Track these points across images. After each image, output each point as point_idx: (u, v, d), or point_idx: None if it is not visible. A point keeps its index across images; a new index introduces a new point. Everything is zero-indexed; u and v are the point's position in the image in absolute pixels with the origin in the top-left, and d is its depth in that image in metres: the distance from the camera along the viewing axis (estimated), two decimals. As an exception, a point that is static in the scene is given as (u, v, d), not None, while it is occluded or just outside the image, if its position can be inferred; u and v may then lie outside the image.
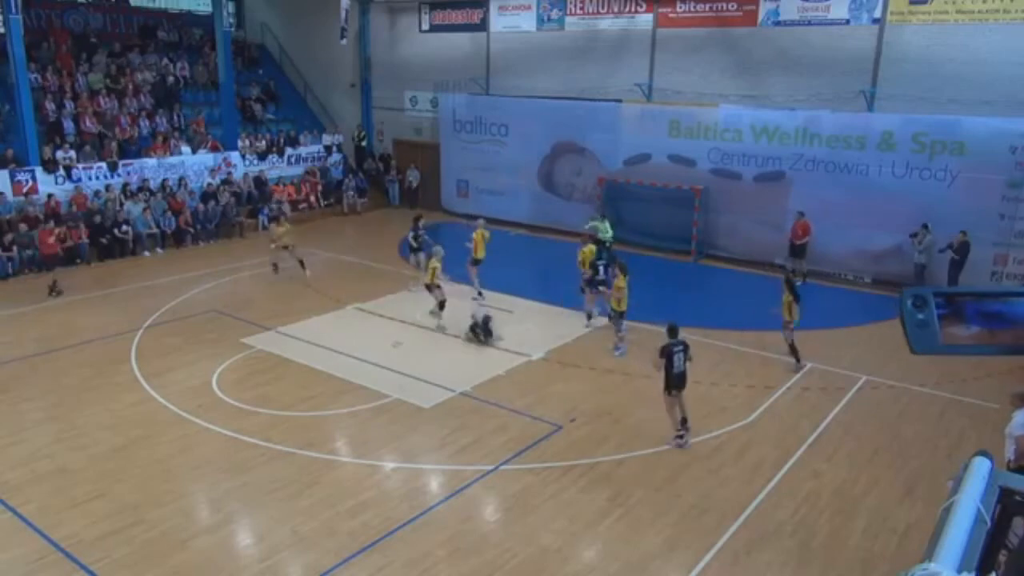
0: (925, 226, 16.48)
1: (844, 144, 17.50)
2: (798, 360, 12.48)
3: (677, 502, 8.80)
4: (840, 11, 17.62)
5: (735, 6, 18.98)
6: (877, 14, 17.18)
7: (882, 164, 17.05)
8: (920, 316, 1.74)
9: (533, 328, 14.45)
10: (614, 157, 21.01)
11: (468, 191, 24.44)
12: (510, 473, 9.37)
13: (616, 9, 20.98)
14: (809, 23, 18.07)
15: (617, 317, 13.25)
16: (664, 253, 20.04)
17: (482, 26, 23.67)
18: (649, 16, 20.42)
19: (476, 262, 15.83)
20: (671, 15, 20.10)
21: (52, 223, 15.77)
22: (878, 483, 9.28)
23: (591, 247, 14.74)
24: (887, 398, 11.71)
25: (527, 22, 22.75)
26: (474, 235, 15.79)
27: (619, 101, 20.75)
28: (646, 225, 20.41)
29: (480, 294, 15.76)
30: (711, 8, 19.38)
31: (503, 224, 23.17)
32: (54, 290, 15.95)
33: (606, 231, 18.85)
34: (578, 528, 8.30)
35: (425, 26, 25.08)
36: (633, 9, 20.66)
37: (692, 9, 19.71)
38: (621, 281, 12.95)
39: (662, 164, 20.15)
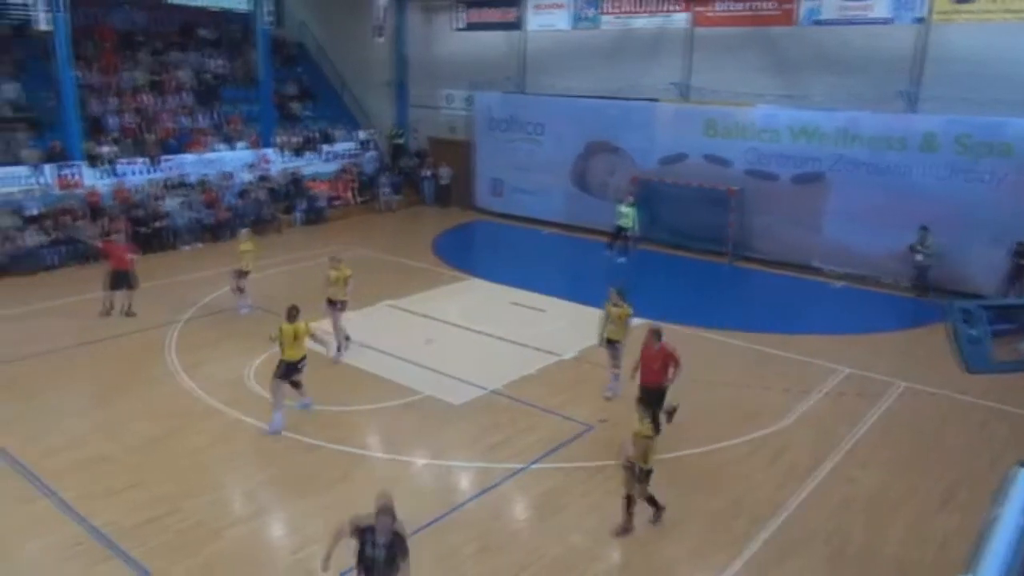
0: (925, 228, 16.36)
1: (885, 145, 17.17)
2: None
3: (707, 505, 8.72)
4: (882, 10, 17.30)
5: (773, 5, 18.72)
6: (920, 13, 16.84)
7: (924, 166, 16.71)
8: (973, 332, 1.66)
9: (565, 327, 14.41)
10: (649, 157, 20.87)
11: (502, 190, 24.47)
12: (540, 472, 9.36)
13: (652, 8, 20.83)
14: (850, 22, 17.76)
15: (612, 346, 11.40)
16: (698, 254, 19.87)
17: (517, 25, 23.67)
18: (685, 15, 20.24)
19: (334, 304, 12.84)
20: (708, 14, 19.89)
21: (123, 236, 15.33)
22: (916, 491, 9.10)
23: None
24: (926, 405, 11.48)
25: (562, 21, 22.69)
26: (331, 273, 12.89)
27: (654, 100, 20.60)
28: (680, 225, 20.27)
29: (348, 338, 13.02)
30: (748, 7, 19.15)
31: (536, 223, 23.21)
32: (128, 312, 14.54)
33: (625, 217, 18.92)
34: (607, 529, 8.25)
35: (460, 24, 25.14)
36: (669, 8, 20.50)
37: (729, 8, 19.49)
38: (627, 311, 11.19)
39: (697, 164, 19.97)
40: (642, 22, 21.10)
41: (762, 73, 19.15)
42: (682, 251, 20.18)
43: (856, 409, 11.26)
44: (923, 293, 16.66)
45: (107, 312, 14.48)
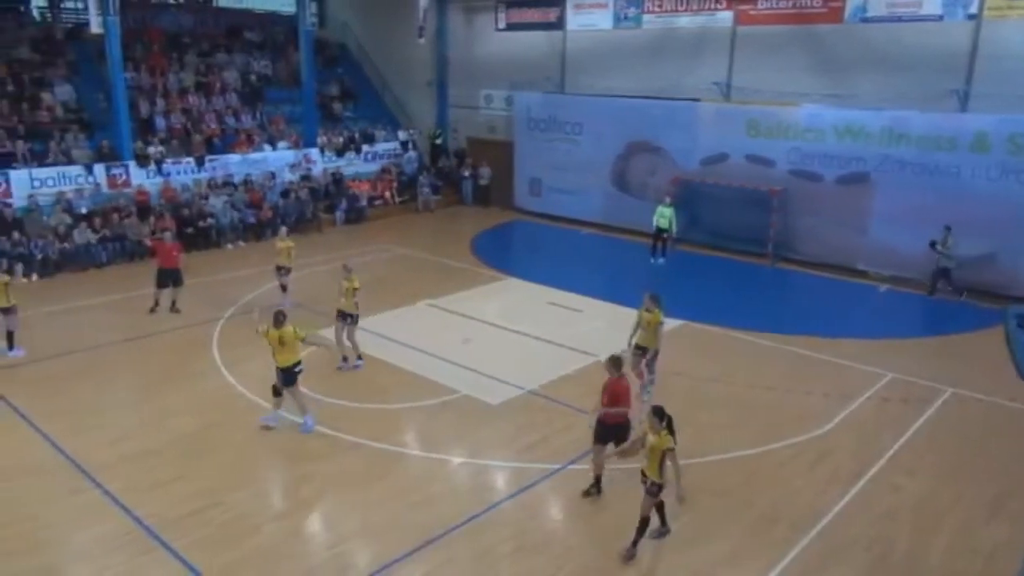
0: (948, 228, 16.07)
1: (934, 145, 16.75)
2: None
3: (746, 510, 8.60)
4: (933, 6, 16.89)
5: (820, 2, 18.40)
6: (973, 9, 16.40)
7: (974, 166, 16.26)
8: None
9: (602, 328, 14.34)
10: (690, 157, 20.67)
11: (540, 190, 24.45)
12: (577, 473, 9.33)
13: (694, 7, 20.63)
14: (899, 19, 17.38)
15: (652, 357, 11.03)
16: (739, 255, 19.63)
17: (558, 24, 23.63)
18: (729, 14, 20.00)
19: (346, 316, 12.27)
20: (751, 12, 19.63)
21: (169, 235, 15.68)
22: (962, 500, 8.87)
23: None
24: (975, 412, 11.17)
25: (603, 20, 22.58)
26: (343, 283, 12.30)
27: (696, 100, 20.40)
28: (721, 226, 20.05)
29: (359, 358, 12.44)
30: (794, 4, 18.85)
31: (574, 223, 23.15)
32: (173, 308, 14.83)
33: (664, 218, 18.78)
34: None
35: (501, 25, 25.19)
36: (712, 6, 20.28)
37: (774, 6, 19.21)
38: (658, 316, 10.80)
39: (739, 164, 19.72)
40: (685, 21, 20.91)
41: (806, 72, 18.83)
42: (722, 252, 19.95)
43: (900, 415, 11.01)
44: (933, 291, 16.56)
45: (154, 308, 14.81)
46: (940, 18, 16.83)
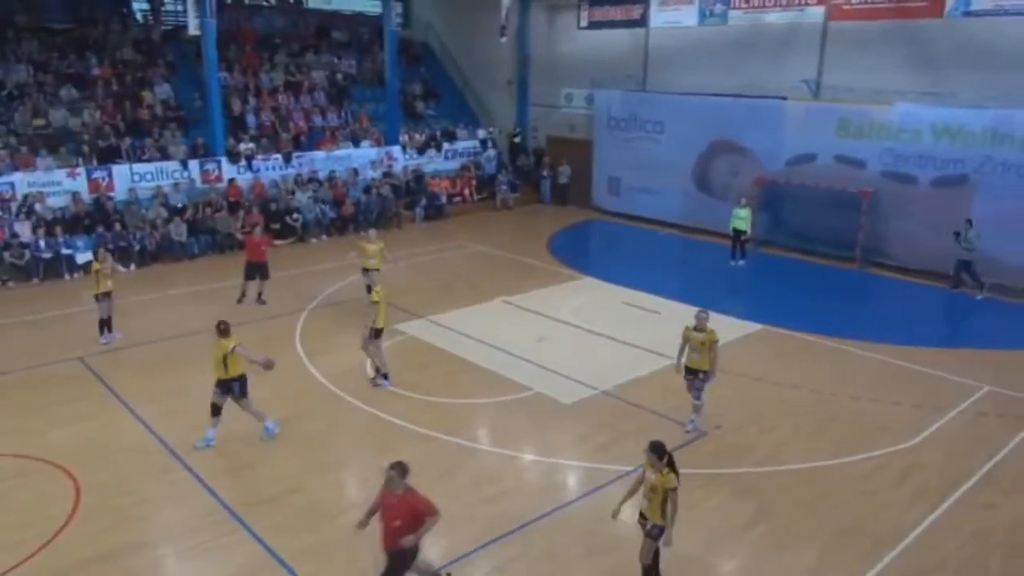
0: (969, 221, 16.02)
1: (1042, 147, 15.81)
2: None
3: (827, 523, 8.31)
4: (1044, -1, 15.93)
5: (919, -4, 17.62)
6: (1088, 2, 15.40)
7: (1086, 169, 15.27)
8: None
9: (679, 330, 14.08)
10: (775, 157, 20.10)
11: (619, 189, 24.24)
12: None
13: (784, 2, 20.04)
14: (1005, 12, 16.43)
15: (705, 380, 10.11)
16: (825, 259, 19.01)
17: (641, 22, 23.35)
18: (820, 9, 19.35)
19: (378, 333, 11.63)
20: (844, 7, 18.93)
21: (259, 230, 15.68)
22: (1064, 524, 8.34)
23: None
24: (1080, 430, 10.49)
25: (688, 17, 22.19)
26: (376, 293, 11.52)
27: (783, 98, 19.82)
28: (806, 228, 19.45)
29: (385, 377, 11.72)
30: (891, -1, 18.10)
31: (653, 223, 22.86)
32: (259, 300, 15.32)
33: (742, 219, 18.32)
34: (719, 539, 8.03)
35: (584, 23, 25.06)
36: (803, 1, 19.65)
37: (869, 1, 18.47)
38: (713, 335, 9.91)
39: (828, 165, 19.06)
40: (773, 16, 20.35)
41: (902, 69, 18.02)
42: (807, 255, 19.35)
43: (996, 430, 10.43)
44: (957, 284, 16.57)
45: (240, 299, 15.36)
46: (1051, 11, 15.88)
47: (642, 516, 7.02)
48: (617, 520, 7.07)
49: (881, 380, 12.05)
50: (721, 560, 7.76)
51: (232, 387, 9.68)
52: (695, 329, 9.93)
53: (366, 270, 14.59)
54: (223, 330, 9.56)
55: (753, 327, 14.25)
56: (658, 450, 6.81)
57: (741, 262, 18.68)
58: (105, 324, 13.30)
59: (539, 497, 8.77)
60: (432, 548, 7.93)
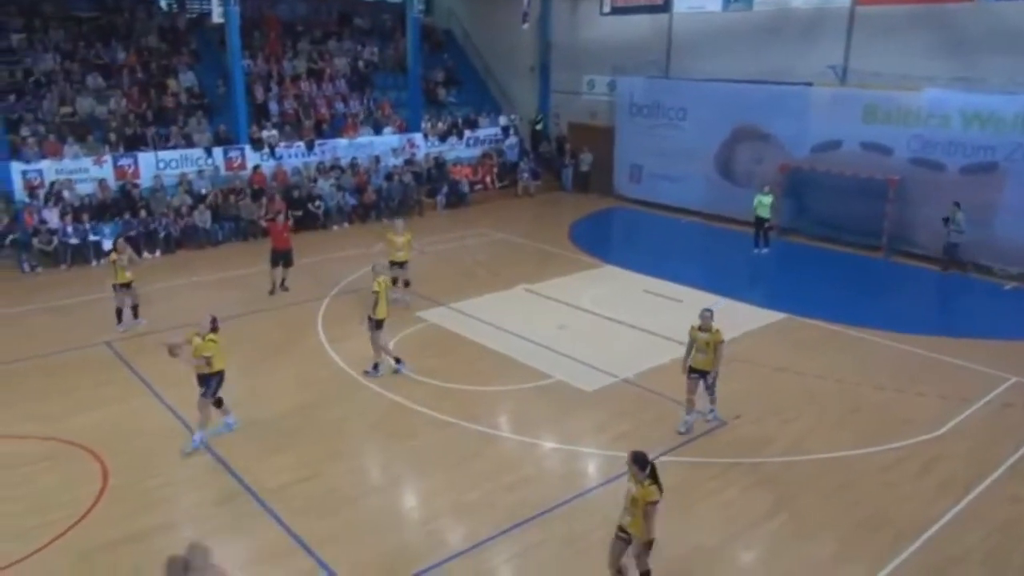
0: (957, 204, 16.31)
1: (1075, 133, 15.47)
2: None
3: (849, 513, 8.25)
4: (1079, -19, 15.54)
5: (950, -21, 17.26)
6: None
7: (1121, 156, 14.92)
8: None
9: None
10: (800, 144, 19.85)
11: (641, 176, 24.09)
12: (669, 465, 9.16)
13: (811, -14, 19.75)
14: (1039, -5, 16.08)
15: (714, 379, 9.91)
16: (850, 247, 18.79)
17: (665, 7, 23.11)
18: (847, -7, 19.05)
19: (378, 324, 11.46)
20: (873, -9, 18.62)
21: (281, 216, 15.71)
22: (1092, 517, 8.22)
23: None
24: (1110, 423, 10.31)
25: (712, 3, 21.93)
26: (376, 283, 11.37)
27: (809, 84, 19.55)
28: (831, 216, 19.22)
29: (398, 360, 11.70)
30: (921, -18, 17.74)
31: (675, 211, 22.71)
32: (282, 286, 15.36)
33: (764, 207, 18.16)
34: (738, 529, 8.01)
35: (606, 9, 24.86)
36: (830, -14, 19.35)
37: (898, -16, 18.15)
38: (719, 335, 9.65)
39: (853, 152, 18.79)
40: (799, 1, 20.06)
41: (931, 54, 17.68)
42: (832, 244, 19.14)
43: (1022, 422, 10.28)
44: (947, 267, 16.91)
45: (272, 291, 15.29)
46: (1087, -6, 15.49)
47: (622, 530, 6.57)
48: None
49: (906, 370, 11.91)
50: (738, 550, 7.73)
51: (210, 383, 9.48)
52: (700, 329, 9.63)
53: (394, 263, 14.30)
54: (215, 326, 9.58)
55: (776, 316, 14.14)
56: (640, 461, 6.39)
57: (764, 250, 18.52)
58: (121, 313, 13.36)
59: (559, 485, 8.79)
60: (451, 533, 8.01)
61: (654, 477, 6.39)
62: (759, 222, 18.46)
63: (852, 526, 8.04)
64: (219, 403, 9.74)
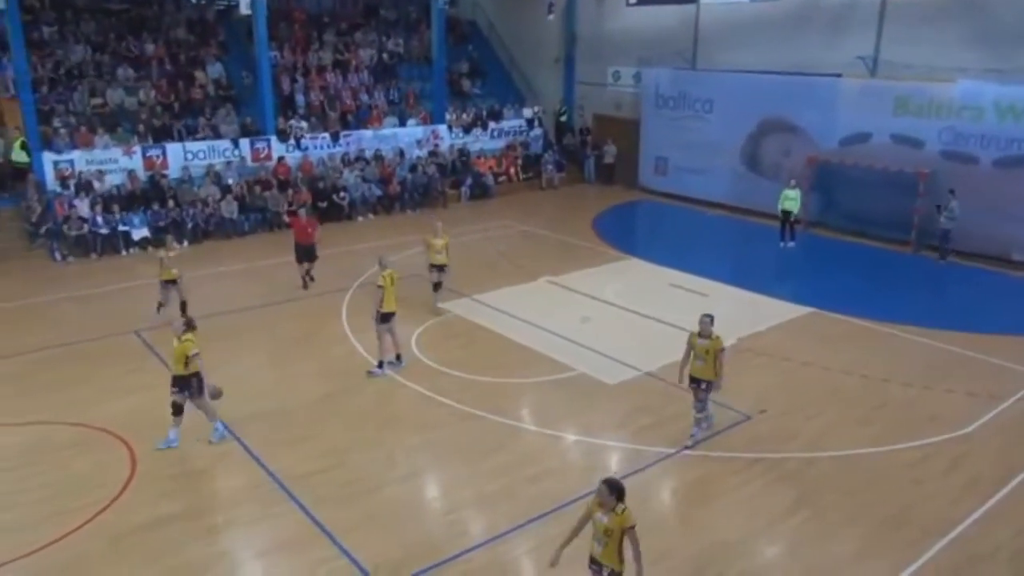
0: (952, 192, 16.61)
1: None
2: None
3: (873, 511, 8.17)
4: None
5: (985, -32, 16.88)
6: None
7: None
8: None
9: (727, 313, 13.91)
10: (829, 136, 19.58)
11: (666, 168, 23.92)
12: (691, 459, 9.16)
13: (841, -24, 19.42)
14: (1078, -15, 15.69)
15: (708, 390, 9.37)
16: (878, 241, 18.53)
17: (692, -2, 22.90)
18: (879, -18, 18.71)
19: (385, 317, 11.21)
20: (905, -20, 18.27)
21: (304, 211, 15.64)
22: (1125, 518, 8.06)
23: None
24: None
25: (741, -8, 21.69)
26: (381, 277, 11.22)
27: (838, 76, 19.25)
28: (860, 210, 18.96)
29: (398, 357, 11.55)
30: (954, -29, 17.37)
31: (700, 203, 22.53)
32: (308, 277, 15.22)
33: (792, 200, 17.94)
34: (760, 524, 7.96)
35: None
36: (861, -25, 19.02)
37: (931, -27, 17.79)
38: (718, 342, 9.17)
39: (883, 145, 18.50)
40: (828, -9, 19.77)
41: (965, 44, 17.32)
42: (860, 238, 18.88)
43: (1056, 421, 10.12)
44: (943, 256, 17.16)
45: (304, 286, 15.17)
46: None
47: (594, 562, 6.04)
48: (556, 568, 6.01)
49: (934, 367, 11.74)
50: (760, 545, 7.68)
51: (190, 384, 9.17)
52: (699, 335, 9.15)
53: (433, 266, 13.79)
54: (190, 325, 9.23)
55: (802, 310, 14.00)
56: (613, 487, 5.78)
57: (791, 244, 18.32)
58: (161, 308, 13.28)
59: (580, 477, 8.78)
60: (473, 523, 8.05)
61: (621, 499, 5.81)
62: (785, 216, 18.27)
63: (876, 523, 7.95)
64: (178, 411, 9.25)
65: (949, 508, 8.19)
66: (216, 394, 9.28)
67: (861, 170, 18.67)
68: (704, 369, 9.18)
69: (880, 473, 8.90)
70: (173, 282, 13.22)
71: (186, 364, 9.04)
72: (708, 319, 9.17)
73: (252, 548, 7.71)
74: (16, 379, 11.27)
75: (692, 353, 9.23)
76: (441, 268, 13.84)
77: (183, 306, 13.27)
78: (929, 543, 7.61)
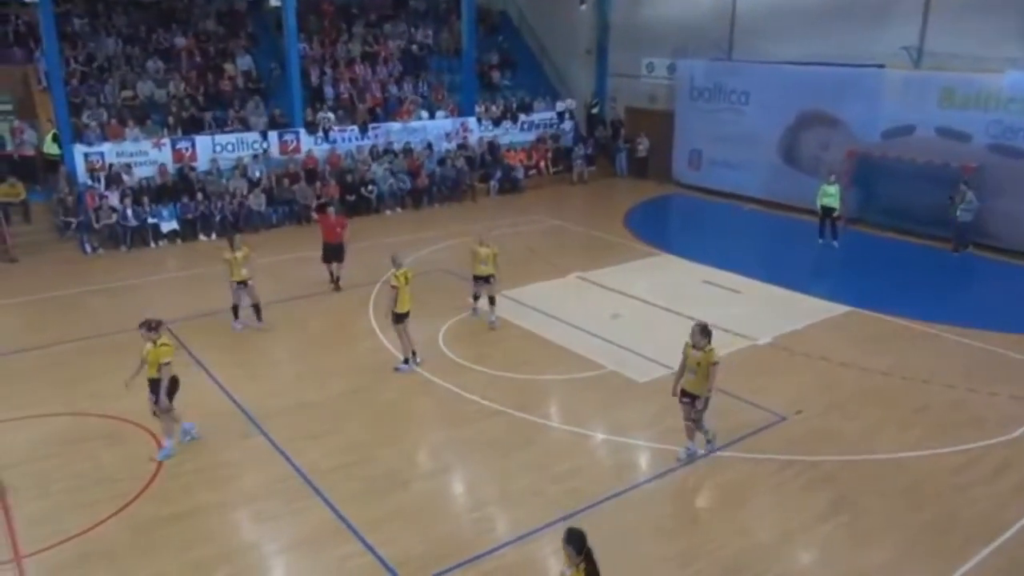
0: (966, 183, 16.48)
1: None
2: None
3: (913, 516, 7.86)
4: None
5: (1035, -46, 16.24)
6: None
7: None
8: None
9: (761, 311, 13.60)
10: (870, 129, 19.03)
11: (700, 162, 23.51)
12: (724, 460, 8.91)
13: (884, -36, 18.85)
14: None
15: (703, 407, 8.64)
16: (921, 238, 18.00)
17: (728, -13, 22.43)
18: (925, -30, 18.12)
19: (399, 317, 11.09)
20: (952, -33, 17.67)
21: (333, 208, 15.29)
22: None
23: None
24: None
25: (779, -18, 21.18)
26: (394, 277, 11.01)
27: (880, 67, 18.70)
28: (902, 206, 18.43)
29: (413, 355, 11.32)
30: (1004, -43, 16.75)
31: (736, 198, 22.12)
32: (335, 283, 14.71)
33: (831, 196, 17.43)
34: (794, 527, 7.70)
35: (667, -11, 24.27)
36: (904, -37, 18.44)
37: (978, -40, 17.18)
38: (711, 355, 8.32)
39: (927, 138, 17.94)
40: (871, -20, 19.21)
41: (1013, 34, 16.70)
42: (902, 234, 18.36)
43: (1109, 426, 9.67)
44: (958, 248, 17.10)
45: (336, 287, 14.66)
46: None
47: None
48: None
49: (979, 368, 11.32)
50: (794, 548, 7.43)
51: (158, 389, 8.77)
52: (693, 346, 8.36)
53: (478, 278, 12.81)
54: (155, 328, 8.66)
55: (840, 309, 13.62)
56: (576, 541, 5.32)
57: (833, 242, 17.75)
58: (237, 310, 12.80)
59: (609, 476, 8.60)
60: (499, 521, 7.89)
61: (589, 559, 5.30)
62: (826, 212, 17.76)
63: (916, 530, 7.65)
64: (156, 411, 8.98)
65: (995, 514, 7.86)
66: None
67: (904, 164, 18.11)
68: (695, 383, 8.39)
69: (921, 478, 8.57)
70: (244, 284, 12.56)
71: (159, 369, 8.68)
72: (699, 328, 8.36)
73: (277, 542, 7.63)
74: (47, 370, 11.35)
75: (685, 364, 8.47)
76: (487, 279, 12.72)
77: (256, 309, 12.76)
78: (973, 550, 7.30)
